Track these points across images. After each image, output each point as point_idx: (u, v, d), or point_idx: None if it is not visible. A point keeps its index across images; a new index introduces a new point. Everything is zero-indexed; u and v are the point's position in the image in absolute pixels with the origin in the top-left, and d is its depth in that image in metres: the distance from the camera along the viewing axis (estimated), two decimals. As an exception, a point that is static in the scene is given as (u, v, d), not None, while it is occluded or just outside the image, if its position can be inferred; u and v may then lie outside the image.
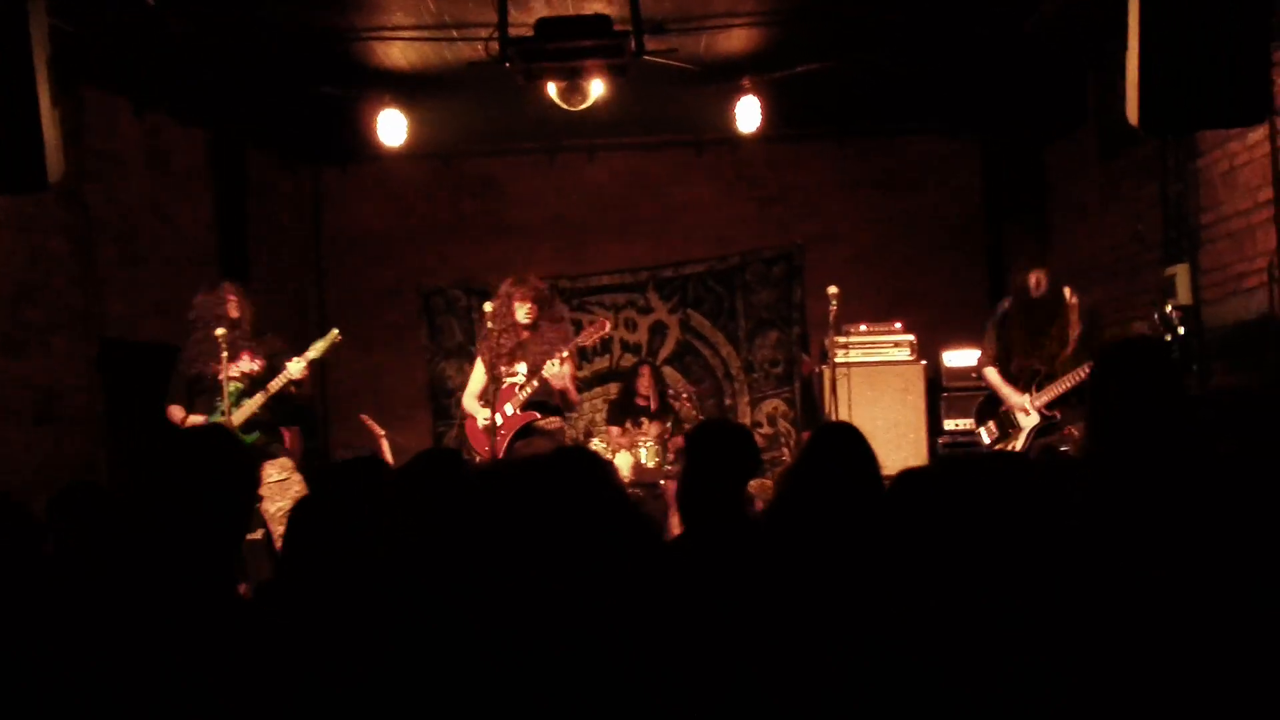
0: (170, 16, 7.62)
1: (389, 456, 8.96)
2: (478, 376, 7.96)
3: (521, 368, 7.73)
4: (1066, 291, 7.19)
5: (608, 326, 8.06)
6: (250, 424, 7.41)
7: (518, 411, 7.71)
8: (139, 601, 2.99)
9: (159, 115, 9.60)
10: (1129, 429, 3.43)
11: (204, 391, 7.52)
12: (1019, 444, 7.27)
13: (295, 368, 7.40)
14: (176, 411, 7.56)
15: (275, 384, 7.42)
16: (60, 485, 4.61)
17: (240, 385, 7.44)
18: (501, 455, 7.55)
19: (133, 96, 9.21)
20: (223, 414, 7.35)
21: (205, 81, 9.21)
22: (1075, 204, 9.78)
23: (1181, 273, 7.55)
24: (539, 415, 7.79)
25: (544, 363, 7.59)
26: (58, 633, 2.99)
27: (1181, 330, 7.08)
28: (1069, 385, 6.99)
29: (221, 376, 7.33)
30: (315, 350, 7.57)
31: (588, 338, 7.92)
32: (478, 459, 7.72)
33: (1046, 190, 10.47)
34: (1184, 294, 7.50)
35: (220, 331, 7.31)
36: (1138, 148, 8.23)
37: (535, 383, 7.63)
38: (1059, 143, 10.14)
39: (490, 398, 7.64)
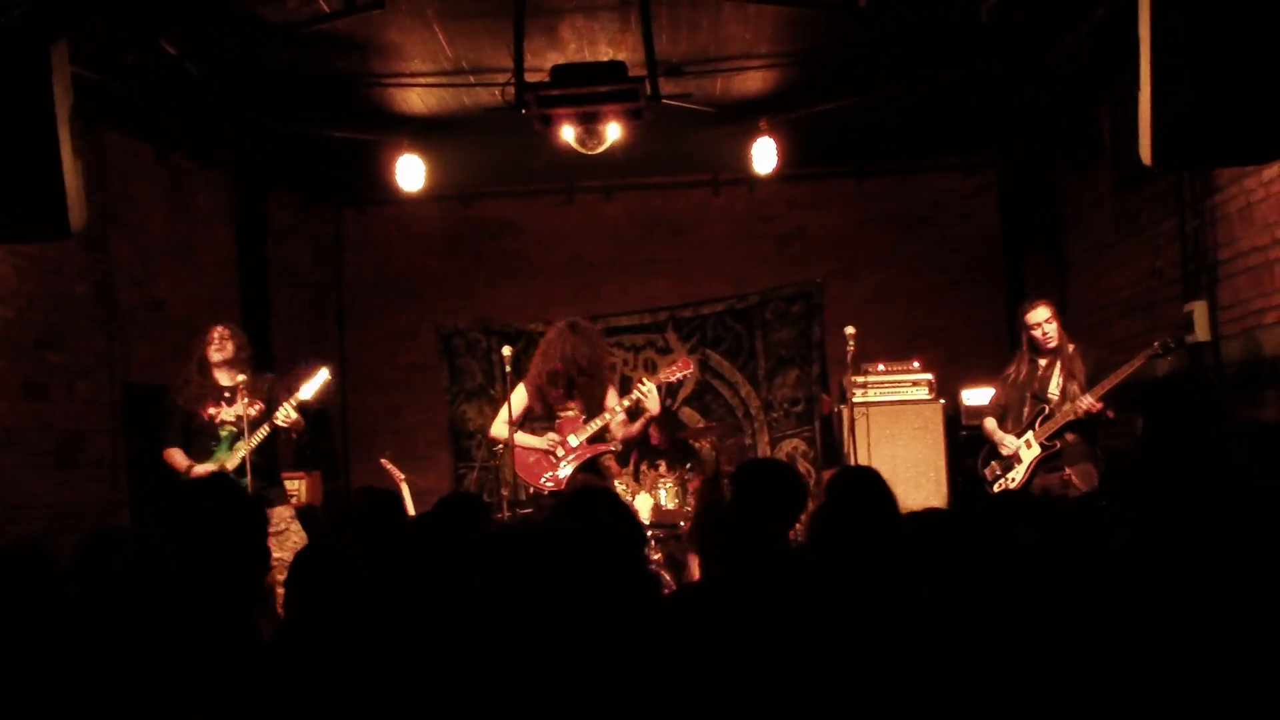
0: (190, 62, 7.70)
1: (409, 501, 8.90)
2: (519, 402, 7.77)
3: (576, 407, 7.69)
4: (1069, 348, 7.57)
5: (691, 366, 8.01)
6: (244, 469, 7.03)
7: (584, 443, 7.66)
8: (158, 643, 3.02)
9: (180, 159, 9.71)
10: (1162, 464, 3.46)
11: (199, 433, 7.21)
12: (1020, 475, 7.53)
13: (282, 415, 7.12)
14: (177, 457, 7.18)
15: (261, 431, 7.13)
16: (82, 529, 4.63)
17: (234, 429, 7.14)
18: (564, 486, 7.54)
19: (154, 140, 9.30)
20: (220, 457, 7.14)
21: (226, 125, 9.29)
22: (1093, 238, 9.75)
23: (1200, 308, 7.54)
24: (609, 448, 7.81)
25: (601, 405, 7.62)
26: (78, 674, 3.02)
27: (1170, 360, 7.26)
28: (1068, 419, 7.32)
29: (218, 420, 7.15)
30: (305, 392, 7.24)
31: (669, 375, 7.87)
32: (531, 490, 7.81)
33: (1064, 224, 10.45)
34: (1202, 330, 7.48)
35: (218, 370, 7.18)
36: (1154, 182, 8.21)
37: (598, 422, 7.59)
38: (1076, 176, 10.12)
39: (555, 428, 7.66)
